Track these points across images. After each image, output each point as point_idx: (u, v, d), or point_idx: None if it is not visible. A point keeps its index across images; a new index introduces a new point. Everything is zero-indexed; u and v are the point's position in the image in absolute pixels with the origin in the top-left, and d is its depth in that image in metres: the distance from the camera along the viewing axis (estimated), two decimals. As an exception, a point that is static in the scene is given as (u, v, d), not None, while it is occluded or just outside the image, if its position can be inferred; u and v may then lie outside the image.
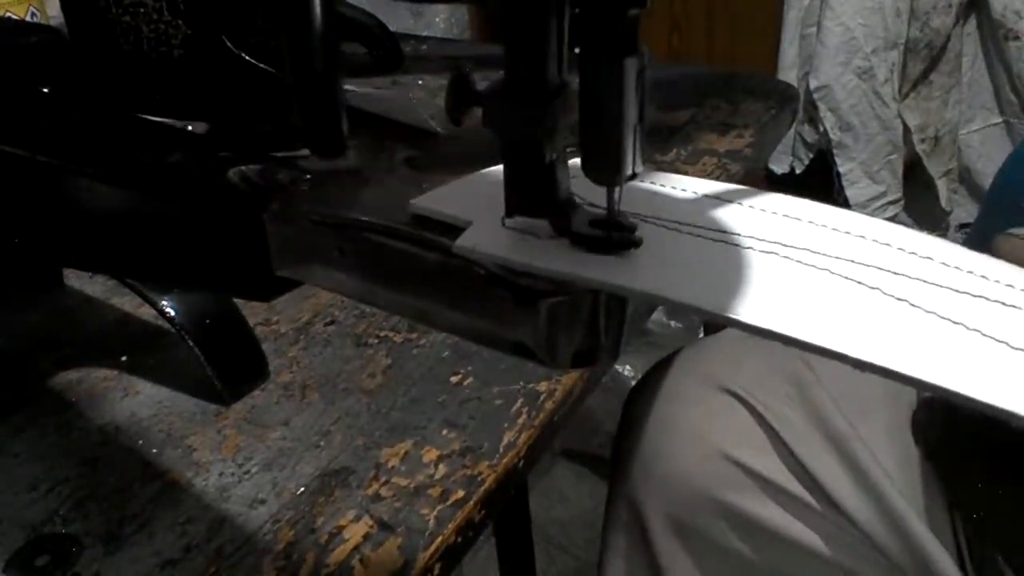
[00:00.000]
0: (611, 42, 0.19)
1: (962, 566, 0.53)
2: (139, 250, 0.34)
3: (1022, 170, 0.56)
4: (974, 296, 0.19)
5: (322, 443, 0.38)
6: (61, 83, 0.42)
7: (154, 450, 0.38)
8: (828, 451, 0.57)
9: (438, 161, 0.64)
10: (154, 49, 0.51)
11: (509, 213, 0.22)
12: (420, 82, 0.75)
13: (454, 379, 0.41)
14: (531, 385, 0.40)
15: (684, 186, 0.25)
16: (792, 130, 1.44)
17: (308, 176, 0.28)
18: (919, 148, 1.43)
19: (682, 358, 0.68)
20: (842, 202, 1.43)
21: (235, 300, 0.42)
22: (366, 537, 0.33)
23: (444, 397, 0.40)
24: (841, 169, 1.44)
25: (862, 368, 0.17)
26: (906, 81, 1.39)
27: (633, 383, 0.74)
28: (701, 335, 1.27)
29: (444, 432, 0.38)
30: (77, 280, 0.49)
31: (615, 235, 0.21)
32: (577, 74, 0.20)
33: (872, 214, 1.43)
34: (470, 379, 0.41)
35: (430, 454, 0.37)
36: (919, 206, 1.49)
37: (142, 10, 0.50)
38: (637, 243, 0.21)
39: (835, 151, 1.43)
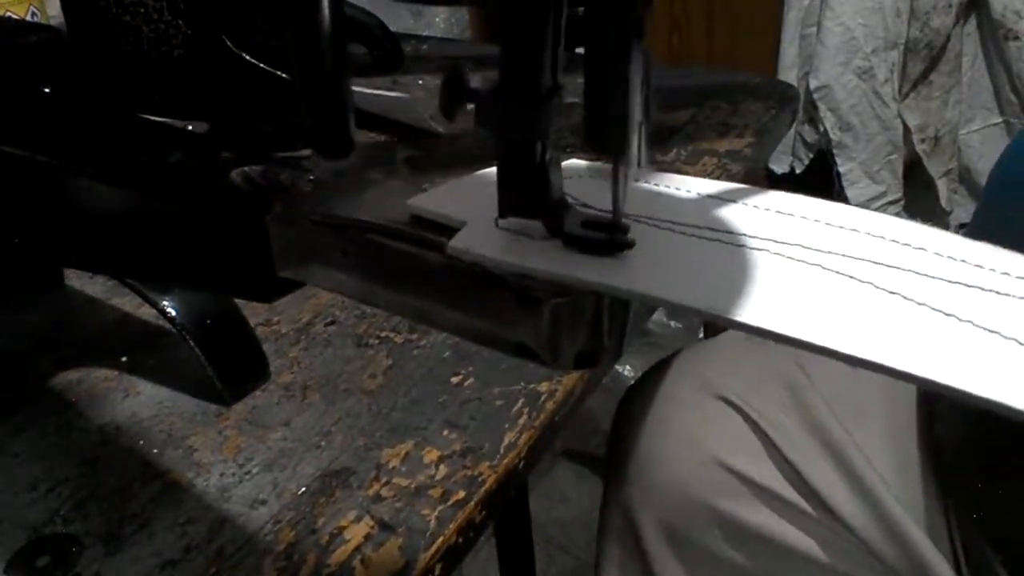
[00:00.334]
0: (617, 41, 0.19)
1: (959, 572, 0.52)
2: (140, 251, 0.34)
3: (1019, 165, 0.56)
4: (967, 286, 0.19)
5: (323, 444, 0.38)
6: (61, 83, 0.42)
7: (155, 450, 0.38)
8: (823, 457, 0.57)
9: (438, 161, 0.64)
10: (154, 49, 0.51)
11: (502, 214, 0.22)
12: (420, 82, 0.75)
13: (455, 380, 0.41)
14: (532, 386, 0.40)
15: (679, 185, 0.25)
16: (792, 130, 1.44)
17: (310, 177, 0.28)
18: (919, 148, 1.43)
19: (678, 362, 0.68)
20: (842, 202, 1.43)
21: (236, 300, 0.42)
22: (367, 537, 0.33)
23: (445, 398, 0.40)
24: (841, 169, 1.44)
25: (853, 364, 0.17)
26: (906, 81, 1.39)
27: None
28: (701, 335, 1.27)
29: (445, 433, 0.38)
30: (77, 280, 0.49)
31: (607, 237, 0.21)
32: (571, 76, 0.20)
33: (872, 214, 1.43)
34: (471, 380, 0.41)
35: (431, 455, 0.37)
36: (919, 206, 1.49)
37: (142, 10, 0.50)
38: (629, 244, 0.21)
39: (835, 151, 1.43)
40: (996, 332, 0.17)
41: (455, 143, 0.66)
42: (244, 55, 0.49)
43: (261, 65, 0.49)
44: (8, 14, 0.78)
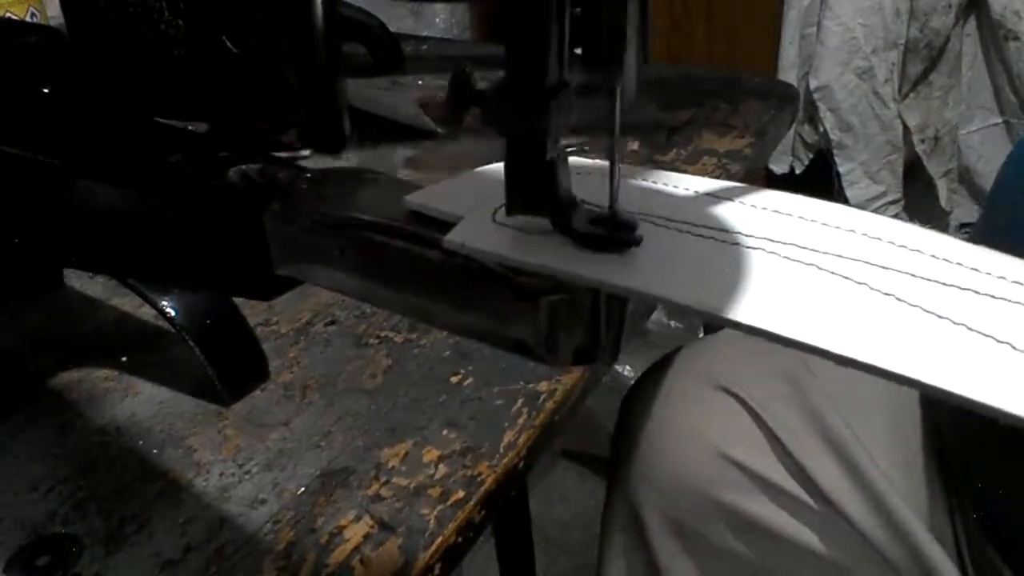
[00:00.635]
0: None
1: (962, 568, 0.53)
2: (139, 250, 0.34)
3: (1022, 169, 0.56)
4: (962, 289, 0.19)
5: (322, 443, 0.38)
6: (61, 83, 0.42)
7: (154, 450, 0.38)
8: (826, 452, 0.57)
9: (438, 161, 0.64)
10: (154, 49, 0.51)
11: (510, 212, 0.22)
12: (420, 82, 0.75)
13: (454, 379, 0.41)
14: (531, 385, 0.40)
15: (676, 183, 0.25)
16: (792, 130, 1.44)
17: (308, 175, 0.28)
18: (919, 148, 1.43)
19: (680, 358, 0.68)
20: (842, 202, 1.43)
21: (235, 300, 0.42)
22: (366, 537, 0.33)
23: (444, 397, 0.40)
24: (841, 169, 1.44)
25: (845, 364, 0.17)
26: (906, 81, 1.39)
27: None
28: (701, 334, 1.27)
29: (444, 432, 0.38)
30: (77, 280, 0.49)
31: (615, 234, 0.21)
32: (577, 75, 0.20)
33: (872, 214, 1.43)
34: (470, 379, 0.41)
35: (430, 454, 0.37)
36: (919, 206, 1.50)
37: (142, 10, 0.50)
38: (636, 242, 0.21)
39: (835, 151, 1.44)
40: (990, 336, 0.17)
41: (455, 143, 0.66)
42: (244, 55, 0.49)
43: (260, 65, 0.49)
44: (8, 14, 0.78)
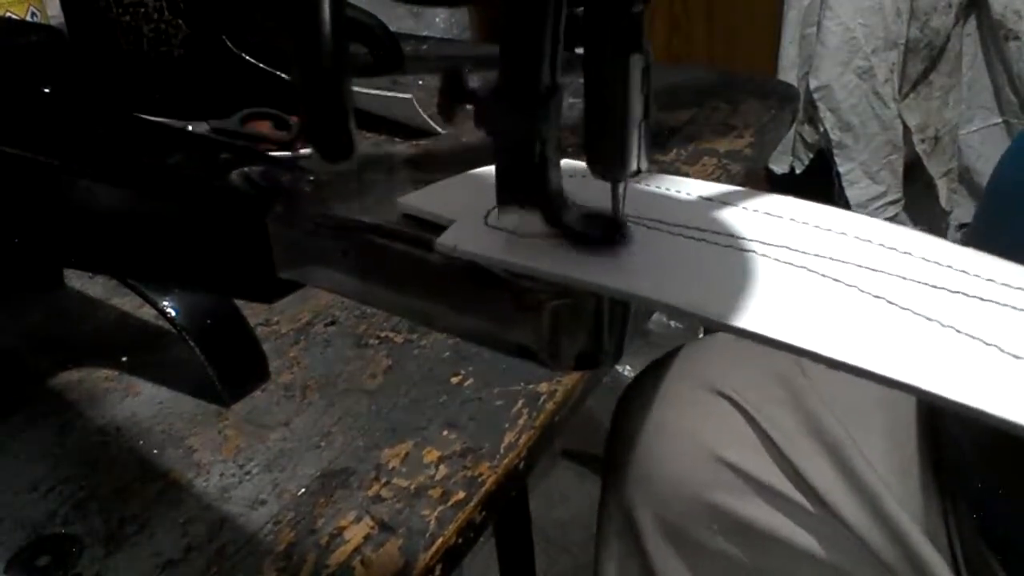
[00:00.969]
0: (616, 37, 0.19)
1: (956, 570, 0.53)
2: (140, 251, 0.34)
3: (1018, 165, 0.56)
4: (952, 292, 0.19)
5: (323, 444, 0.38)
6: (61, 83, 0.42)
7: (154, 450, 0.38)
8: (821, 455, 0.57)
9: (438, 161, 0.64)
10: (154, 49, 0.51)
11: (500, 203, 0.22)
12: (420, 82, 0.75)
13: (455, 380, 0.41)
14: (532, 386, 0.40)
15: (671, 186, 0.25)
16: (792, 130, 1.44)
17: (310, 177, 0.28)
18: (919, 148, 1.43)
19: (677, 359, 0.68)
20: (842, 202, 1.43)
21: (236, 301, 0.42)
22: (367, 538, 0.33)
23: (445, 398, 0.40)
24: (841, 169, 1.44)
25: (836, 367, 0.17)
26: (906, 81, 1.39)
27: (632, 383, 0.74)
28: (701, 335, 1.27)
29: (445, 433, 0.38)
30: (77, 280, 0.49)
31: (601, 231, 0.21)
32: (571, 76, 0.20)
33: (872, 214, 1.43)
34: (471, 380, 0.41)
35: (431, 455, 0.37)
36: (919, 206, 1.49)
37: (142, 10, 0.50)
38: (623, 239, 0.21)
39: (835, 151, 1.43)
40: (977, 338, 0.17)
41: (455, 143, 0.66)
42: (244, 55, 0.49)
43: (261, 65, 0.49)
44: (8, 14, 0.78)
